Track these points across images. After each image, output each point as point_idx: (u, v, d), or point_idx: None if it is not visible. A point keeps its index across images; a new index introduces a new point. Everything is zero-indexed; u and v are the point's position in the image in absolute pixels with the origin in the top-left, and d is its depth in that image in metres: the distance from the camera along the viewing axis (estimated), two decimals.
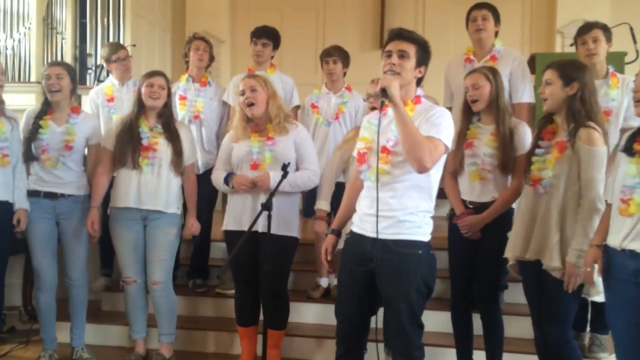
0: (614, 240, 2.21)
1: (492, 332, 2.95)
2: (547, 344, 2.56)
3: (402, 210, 2.29)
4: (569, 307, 2.51)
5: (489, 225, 2.86)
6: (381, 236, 2.27)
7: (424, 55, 2.34)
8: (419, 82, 2.39)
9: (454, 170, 2.98)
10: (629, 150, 2.22)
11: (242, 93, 3.07)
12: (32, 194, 3.26)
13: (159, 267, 3.25)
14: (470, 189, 2.94)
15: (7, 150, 3.14)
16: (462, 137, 2.93)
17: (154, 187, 3.21)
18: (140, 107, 3.25)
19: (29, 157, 3.24)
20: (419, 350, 2.39)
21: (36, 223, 3.25)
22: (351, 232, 2.48)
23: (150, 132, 3.24)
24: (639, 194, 2.15)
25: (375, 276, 2.36)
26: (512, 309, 3.56)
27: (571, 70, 2.53)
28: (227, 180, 3.09)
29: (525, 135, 2.86)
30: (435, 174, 2.35)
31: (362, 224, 2.40)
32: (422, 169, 2.21)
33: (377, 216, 2.24)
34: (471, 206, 2.92)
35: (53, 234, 3.31)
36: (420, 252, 2.31)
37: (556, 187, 2.49)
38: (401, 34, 2.33)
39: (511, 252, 2.66)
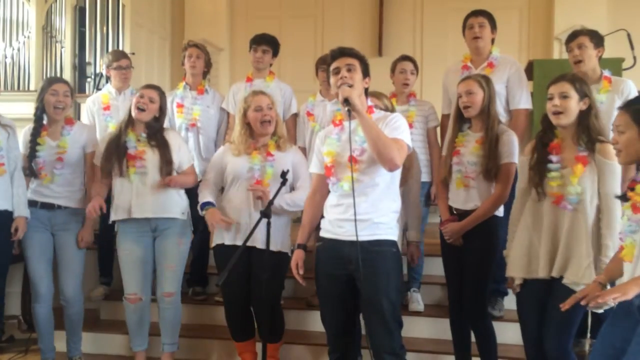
0: (622, 280, 2.20)
1: (484, 341, 2.94)
2: (547, 354, 2.54)
3: (376, 212, 2.44)
4: (576, 319, 2.51)
5: (473, 234, 2.85)
6: (358, 238, 2.37)
7: (366, 68, 2.54)
8: (366, 93, 2.56)
9: (444, 177, 3.00)
10: (624, 196, 2.22)
11: (259, 109, 3.09)
12: (29, 204, 3.25)
13: (171, 278, 3.24)
14: (456, 196, 2.96)
15: (3, 160, 3.14)
16: (452, 145, 2.95)
17: (148, 196, 3.19)
18: (130, 118, 3.25)
19: (31, 173, 3.25)
20: (402, 348, 2.49)
21: (32, 232, 3.24)
22: (322, 239, 2.56)
23: (137, 142, 3.22)
24: (629, 239, 2.15)
25: (355, 278, 2.45)
26: (512, 316, 3.55)
27: (583, 84, 2.54)
28: (202, 208, 3.10)
29: (511, 144, 2.84)
30: (397, 175, 2.54)
31: (335, 229, 2.51)
32: (394, 167, 2.40)
33: (355, 220, 2.35)
34: (455, 213, 2.94)
35: (49, 244, 3.31)
36: (394, 250, 2.48)
37: (582, 203, 2.47)
38: (344, 51, 2.54)
39: (523, 272, 2.60)
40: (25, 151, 3.27)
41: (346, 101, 2.34)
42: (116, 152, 3.20)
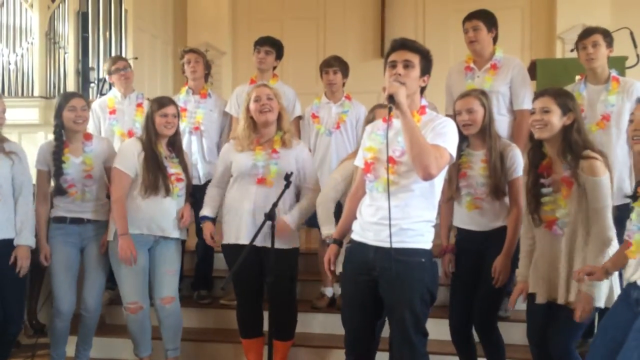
0: (626, 274, 2.25)
1: (493, 350, 2.94)
2: (551, 353, 2.54)
3: (406, 219, 2.30)
4: (580, 325, 2.49)
5: (492, 248, 2.82)
6: (384, 244, 2.28)
7: (427, 65, 2.36)
8: (422, 91, 2.40)
9: (450, 197, 2.95)
10: (634, 196, 2.24)
11: (258, 99, 3.06)
12: (58, 220, 3.28)
13: (169, 283, 3.25)
14: (470, 219, 2.92)
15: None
16: (455, 165, 2.87)
17: (174, 214, 3.26)
18: (155, 134, 3.25)
19: (59, 191, 3.25)
20: (424, 357, 2.41)
21: (61, 248, 3.26)
22: (352, 241, 2.48)
23: (169, 161, 3.26)
24: (638, 235, 2.19)
25: (379, 285, 2.36)
26: (519, 316, 3.54)
27: (567, 99, 2.52)
28: (202, 219, 3.20)
29: (515, 158, 2.82)
30: (439, 184, 2.37)
31: (364, 232, 2.41)
32: (428, 176, 2.22)
33: (389, 225, 2.23)
34: (466, 233, 2.92)
35: (76, 259, 3.32)
36: (423, 260, 2.33)
37: (574, 226, 2.47)
38: (405, 44, 2.35)
39: (540, 299, 2.60)
40: (49, 169, 3.28)
41: (391, 98, 2.17)
42: (160, 171, 3.19)
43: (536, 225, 2.58)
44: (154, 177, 3.17)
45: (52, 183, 3.31)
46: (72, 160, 3.28)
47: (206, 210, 3.22)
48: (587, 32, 3.37)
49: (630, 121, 2.29)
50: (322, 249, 3.79)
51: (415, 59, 2.32)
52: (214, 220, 3.24)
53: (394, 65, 2.32)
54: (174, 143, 3.33)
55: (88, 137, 3.38)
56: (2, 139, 3.16)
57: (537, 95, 2.59)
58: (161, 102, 3.26)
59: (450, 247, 2.99)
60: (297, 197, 3.25)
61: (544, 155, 2.59)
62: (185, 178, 3.30)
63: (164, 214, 3.22)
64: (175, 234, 3.28)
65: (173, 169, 3.25)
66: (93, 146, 3.35)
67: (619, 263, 2.32)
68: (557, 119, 2.49)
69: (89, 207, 3.31)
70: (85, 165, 3.29)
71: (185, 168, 3.31)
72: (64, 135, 3.30)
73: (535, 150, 2.60)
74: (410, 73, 2.30)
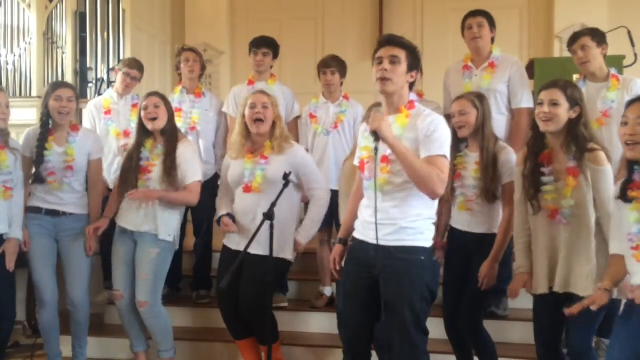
0: (635, 280, 2.18)
1: (482, 350, 2.94)
2: (570, 350, 2.53)
3: (404, 218, 2.31)
4: (598, 315, 2.47)
5: (480, 252, 2.81)
6: (383, 243, 2.29)
7: (414, 60, 2.37)
8: (411, 87, 2.41)
9: (447, 199, 2.95)
10: (624, 197, 2.20)
11: (253, 106, 3.03)
12: (33, 210, 3.26)
13: (142, 287, 3.18)
14: (460, 220, 2.93)
15: (11, 184, 3.11)
16: (451, 166, 2.81)
17: (136, 207, 3.18)
18: (145, 130, 3.24)
19: (38, 179, 3.22)
20: (425, 356, 2.42)
21: (36, 238, 3.24)
22: (354, 239, 2.49)
23: (150, 153, 3.21)
24: None
25: (379, 283, 2.36)
26: (516, 315, 3.55)
27: (575, 92, 2.51)
28: (218, 222, 3.13)
29: (510, 162, 2.80)
30: None
31: (364, 230, 2.41)
32: (436, 197, 2.26)
33: (376, 224, 2.26)
34: (458, 233, 2.91)
35: (53, 249, 3.30)
36: (422, 257, 2.33)
37: (579, 216, 2.46)
38: (391, 40, 2.37)
39: (542, 288, 2.58)
40: (32, 156, 3.26)
41: (375, 134, 2.20)
42: (131, 172, 3.18)
43: (535, 212, 2.55)
44: (123, 180, 3.20)
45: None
46: (55, 149, 3.26)
47: (221, 211, 3.13)
48: (574, 38, 3.36)
49: (624, 123, 2.23)
50: (321, 249, 3.82)
51: (402, 55, 2.33)
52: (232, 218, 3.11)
53: (380, 61, 2.33)
54: (168, 134, 3.21)
55: (75, 128, 3.35)
56: (7, 133, 3.18)
57: (546, 87, 2.54)
58: (145, 95, 3.27)
59: (441, 244, 3.00)
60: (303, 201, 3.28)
61: (545, 146, 2.57)
62: (162, 163, 3.14)
63: (133, 211, 3.20)
64: (144, 228, 3.17)
65: (151, 160, 3.20)
66: (78, 137, 3.32)
67: (618, 275, 2.27)
68: (564, 112, 2.48)
69: (66, 200, 3.28)
70: (67, 156, 3.27)
71: (166, 155, 3.15)
72: (51, 123, 3.29)
73: (537, 140, 2.58)
74: (397, 69, 2.31)
